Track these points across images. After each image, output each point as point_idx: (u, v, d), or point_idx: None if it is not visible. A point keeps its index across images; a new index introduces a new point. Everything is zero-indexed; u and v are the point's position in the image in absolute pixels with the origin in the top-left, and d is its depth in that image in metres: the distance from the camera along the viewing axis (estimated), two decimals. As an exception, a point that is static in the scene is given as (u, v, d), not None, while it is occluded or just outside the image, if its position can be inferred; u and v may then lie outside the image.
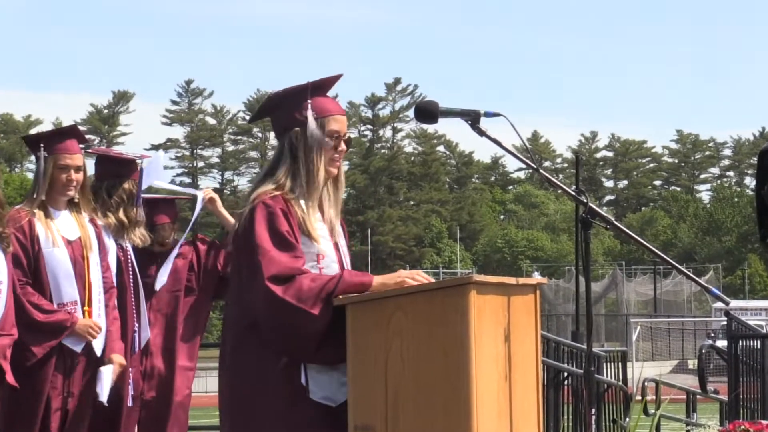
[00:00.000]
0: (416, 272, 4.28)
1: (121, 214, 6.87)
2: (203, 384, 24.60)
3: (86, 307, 6.35)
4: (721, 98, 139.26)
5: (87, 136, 8.12)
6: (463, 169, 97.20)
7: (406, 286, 4.19)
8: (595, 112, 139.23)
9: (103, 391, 6.33)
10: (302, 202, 4.37)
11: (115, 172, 7.01)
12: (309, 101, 4.41)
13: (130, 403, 6.80)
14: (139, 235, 6.94)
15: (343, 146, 4.45)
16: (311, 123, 4.39)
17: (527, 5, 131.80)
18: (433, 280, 4.22)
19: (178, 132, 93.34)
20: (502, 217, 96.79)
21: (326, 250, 4.41)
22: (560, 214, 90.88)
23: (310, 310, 4.15)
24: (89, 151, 7.07)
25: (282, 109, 4.48)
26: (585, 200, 4.31)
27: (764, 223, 6.55)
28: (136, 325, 6.92)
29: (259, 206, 4.30)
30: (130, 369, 6.79)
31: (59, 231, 6.35)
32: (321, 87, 4.48)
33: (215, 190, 8.22)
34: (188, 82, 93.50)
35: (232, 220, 6.90)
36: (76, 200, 6.46)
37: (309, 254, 4.33)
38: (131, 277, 6.92)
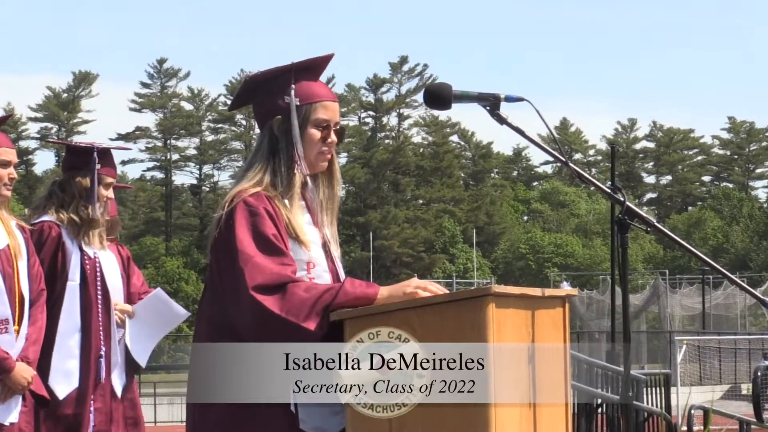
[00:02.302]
0: (428, 282, 4.28)
1: (71, 212, 6.86)
2: (177, 413, 24.58)
3: (16, 327, 6.33)
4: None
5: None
6: (481, 163, 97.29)
7: (415, 299, 4.18)
8: (634, 97, 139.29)
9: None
10: (286, 201, 4.38)
11: (70, 164, 7.03)
12: (293, 85, 4.44)
13: None
14: (99, 238, 6.93)
15: (333, 137, 4.47)
16: (294, 111, 4.41)
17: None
18: (447, 292, 4.22)
19: (149, 119, 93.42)
20: (525, 218, 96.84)
21: (317, 257, 4.43)
22: (593, 215, 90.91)
23: (303, 325, 4.15)
24: (49, 141, 7.10)
25: (262, 95, 4.51)
26: (622, 198, 4.32)
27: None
28: (103, 348, 6.91)
29: (239, 206, 4.31)
30: (91, 398, 6.79)
31: None
32: (308, 69, 4.50)
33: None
34: (161, 62, 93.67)
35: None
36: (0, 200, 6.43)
37: (298, 262, 4.35)
38: (99, 291, 6.90)
